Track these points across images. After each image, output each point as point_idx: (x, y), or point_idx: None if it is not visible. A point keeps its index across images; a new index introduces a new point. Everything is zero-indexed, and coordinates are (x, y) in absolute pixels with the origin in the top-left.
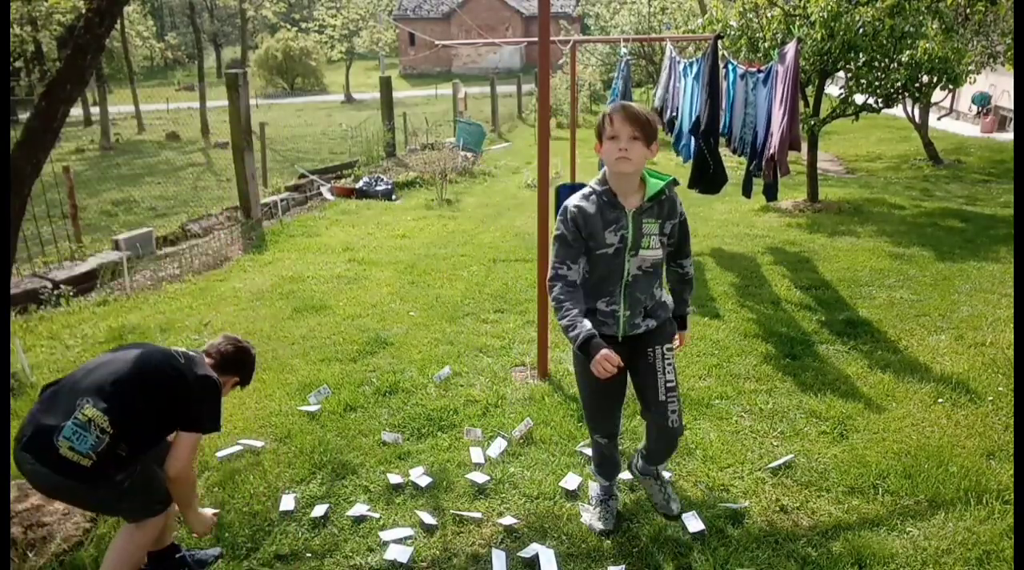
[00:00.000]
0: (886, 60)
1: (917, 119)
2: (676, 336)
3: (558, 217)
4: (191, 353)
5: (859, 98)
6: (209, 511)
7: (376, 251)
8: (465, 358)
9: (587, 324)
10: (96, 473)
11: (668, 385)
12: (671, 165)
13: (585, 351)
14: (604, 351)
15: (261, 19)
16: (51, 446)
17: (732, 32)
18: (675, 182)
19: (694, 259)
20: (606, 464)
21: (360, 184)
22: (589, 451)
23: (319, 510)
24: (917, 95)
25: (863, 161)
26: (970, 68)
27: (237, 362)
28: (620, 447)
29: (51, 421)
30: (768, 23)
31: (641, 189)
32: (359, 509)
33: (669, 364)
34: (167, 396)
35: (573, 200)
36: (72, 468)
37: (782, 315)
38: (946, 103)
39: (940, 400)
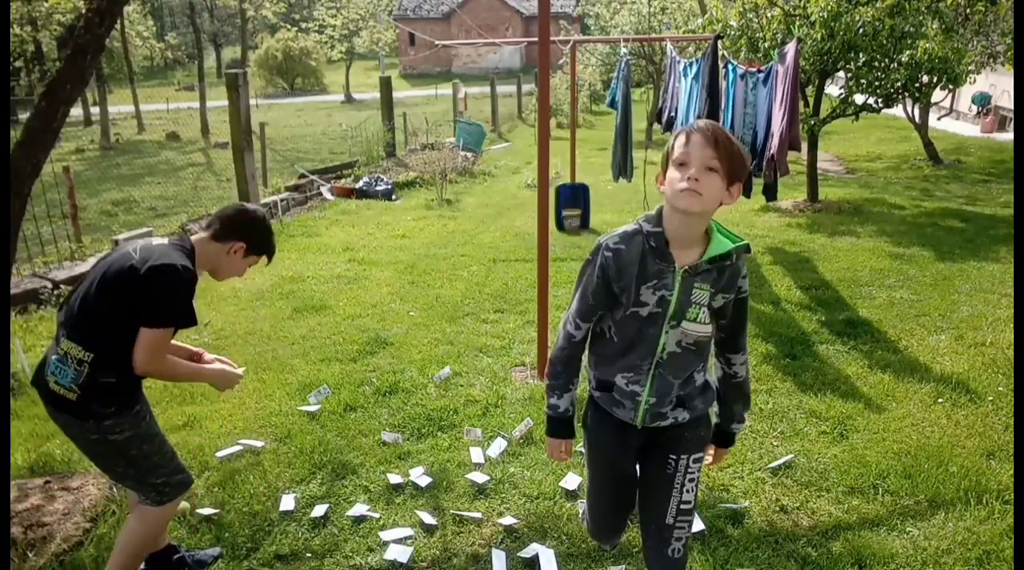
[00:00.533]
0: (886, 60)
1: (917, 119)
2: (710, 446)
3: (590, 256)
4: (156, 243)
5: (859, 98)
6: (219, 367)
7: (376, 251)
8: (465, 358)
9: (565, 402)
10: (83, 407)
11: (683, 507)
12: None
13: (548, 427)
14: (566, 442)
15: (261, 19)
16: (43, 380)
17: (732, 32)
18: (747, 249)
19: None
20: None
21: (360, 184)
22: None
23: (319, 510)
24: (917, 95)
25: (863, 161)
26: (970, 68)
27: (240, 225)
28: None
29: (47, 353)
30: (768, 23)
31: (703, 243)
32: (359, 509)
33: (692, 481)
34: (127, 298)
35: (611, 239)
36: (62, 402)
37: (782, 315)
38: (946, 103)
39: (940, 400)
